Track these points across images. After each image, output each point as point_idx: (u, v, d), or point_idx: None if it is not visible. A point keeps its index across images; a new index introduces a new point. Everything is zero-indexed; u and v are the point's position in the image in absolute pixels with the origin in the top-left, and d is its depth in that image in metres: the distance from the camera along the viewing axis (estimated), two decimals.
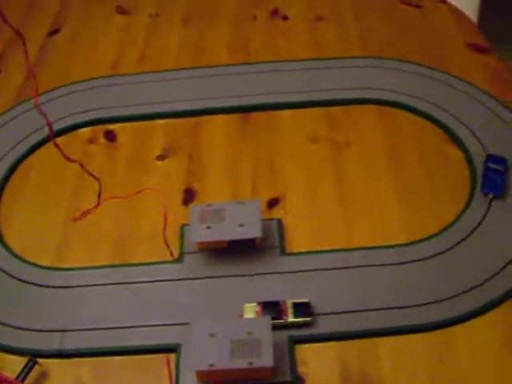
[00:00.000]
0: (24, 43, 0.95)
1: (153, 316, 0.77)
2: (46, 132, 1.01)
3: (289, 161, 0.94)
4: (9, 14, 1.25)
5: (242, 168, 0.94)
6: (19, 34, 0.91)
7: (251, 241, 0.81)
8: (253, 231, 0.79)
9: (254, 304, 0.75)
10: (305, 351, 0.73)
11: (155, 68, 1.11)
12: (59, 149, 0.94)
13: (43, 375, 0.74)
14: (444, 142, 0.96)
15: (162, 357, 0.74)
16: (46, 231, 0.89)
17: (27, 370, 0.73)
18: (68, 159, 0.95)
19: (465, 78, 1.05)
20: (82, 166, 0.94)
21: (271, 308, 0.75)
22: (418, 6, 1.22)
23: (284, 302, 0.75)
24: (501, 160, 0.91)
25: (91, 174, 0.93)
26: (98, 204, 0.90)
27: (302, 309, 0.75)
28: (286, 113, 1.01)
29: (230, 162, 0.95)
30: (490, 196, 0.87)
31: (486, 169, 0.90)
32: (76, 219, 0.88)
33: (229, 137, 0.99)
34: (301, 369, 0.72)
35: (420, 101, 1.02)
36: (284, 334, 0.74)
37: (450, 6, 1.23)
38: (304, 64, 1.09)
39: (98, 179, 0.93)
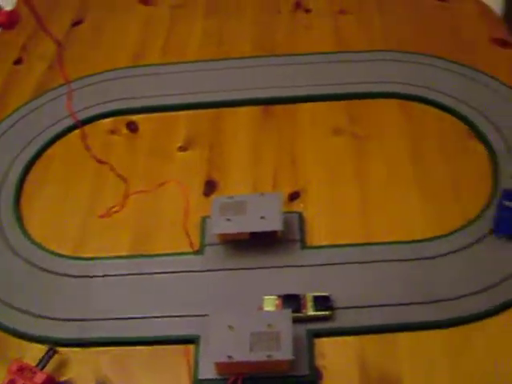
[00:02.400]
0: (60, 46, 0.93)
1: (172, 307, 0.77)
2: (69, 122, 1.01)
3: (310, 154, 0.94)
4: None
5: (263, 160, 0.94)
6: (45, 29, 0.91)
7: (272, 233, 0.81)
8: (274, 224, 0.79)
9: (274, 297, 0.75)
10: (324, 345, 0.73)
11: (178, 59, 1.11)
12: (89, 150, 0.94)
13: (63, 363, 0.74)
14: (467, 136, 0.95)
15: (180, 348, 0.74)
16: (66, 220, 0.89)
17: (47, 358, 0.73)
18: (99, 161, 0.95)
19: (489, 72, 1.04)
20: (112, 168, 0.93)
21: (291, 301, 0.75)
22: (442, 0, 1.21)
23: (304, 295, 0.75)
24: None
25: (119, 176, 0.93)
26: (123, 206, 0.90)
27: (322, 302, 0.74)
28: (308, 106, 1.01)
29: (251, 154, 0.95)
30: (505, 237, 0.81)
31: (502, 208, 0.82)
32: (102, 216, 0.88)
33: (250, 129, 0.99)
34: (319, 362, 0.72)
35: (443, 95, 1.01)
36: (303, 328, 0.74)
37: None
38: (326, 57, 1.08)
39: (124, 180, 0.92)
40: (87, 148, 0.87)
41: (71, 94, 0.87)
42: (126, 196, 0.90)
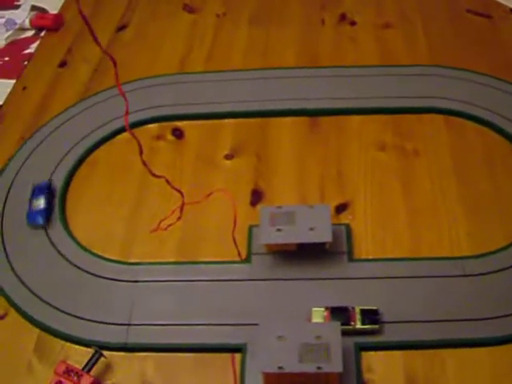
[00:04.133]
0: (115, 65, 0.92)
1: (218, 315, 0.77)
2: (114, 126, 1.02)
3: (356, 167, 0.94)
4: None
5: (309, 171, 0.94)
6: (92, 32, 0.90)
7: (321, 245, 0.80)
8: (323, 235, 0.79)
9: (323, 309, 0.75)
10: (371, 358, 0.73)
11: (222, 67, 1.12)
12: (146, 165, 0.92)
13: (108, 367, 0.75)
14: (511, 154, 0.95)
15: (226, 356, 0.74)
16: (112, 225, 0.90)
17: (93, 361, 0.73)
18: (154, 175, 0.93)
19: None
20: (167, 181, 0.92)
21: (339, 313, 0.74)
22: (486, 16, 1.21)
23: (352, 308, 0.75)
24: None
25: (175, 189, 0.92)
26: (180, 217, 0.89)
27: (370, 316, 0.74)
28: (354, 118, 1.01)
29: (297, 165, 0.95)
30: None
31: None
32: (153, 231, 0.88)
33: (296, 139, 0.99)
34: (367, 376, 0.72)
35: (487, 111, 1.00)
36: (350, 341, 0.73)
37: None
38: (371, 70, 1.09)
39: (181, 193, 0.91)
40: (144, 163, 0.87)
41: (128, 108, 0.87)
42: (179, 208, 0.90)
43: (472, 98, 1.02)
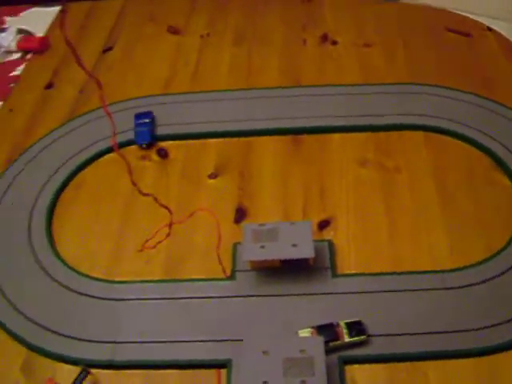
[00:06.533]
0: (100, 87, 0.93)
1: (204, 331, 0.78)
2: (99, 147, 1.03)
3: (338, 184, 0.95)
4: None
5: (292, 188, 0.95)
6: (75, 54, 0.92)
7: (304, 261, 0.82)
8: (306, 251, 0.80)
9: (308, 329, 0.76)
10: (356, 371, 0.74)
11: (206, 87, 1.13)
12: (135, 184, 0.96)
13: None
14: (492, 169, 0.97)
15: (212, 372, 0.75)
16: (99, 244, 0.90)
17: (80, 379, 0.74)
18: (142, 193, 0.96)
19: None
20: (155, 199, 0.95)
21: (326, 330, 0.75)
22: (466, 35, 1.23)
23: (337, 323, 0.76)
24: (147, 114, 1.06)
25: (163, 206, 0.94)
26: (169, 234, 0.91)
27: (355, 328, 0.76)
28: (336, 136, 1.03)
29: (280, 183, 0.96)
30: (144, 146, 1.03)
31: (135, 125, 1.04)
32: (141, 250, 0.89)
33: (279, 158, 1.00)
34: None
35: (468, 128, 1.02)
36: (334, 354, 0.75)
37: (497, 33, 1.24)
38: (353, 89, 1.10)
39: (169, 210, 0.93)
40: (133, 183, 0.89)
41: (115, 128, 0.89)
42: (166, 226, 0.91)
43: (452, 115, 1.04)
